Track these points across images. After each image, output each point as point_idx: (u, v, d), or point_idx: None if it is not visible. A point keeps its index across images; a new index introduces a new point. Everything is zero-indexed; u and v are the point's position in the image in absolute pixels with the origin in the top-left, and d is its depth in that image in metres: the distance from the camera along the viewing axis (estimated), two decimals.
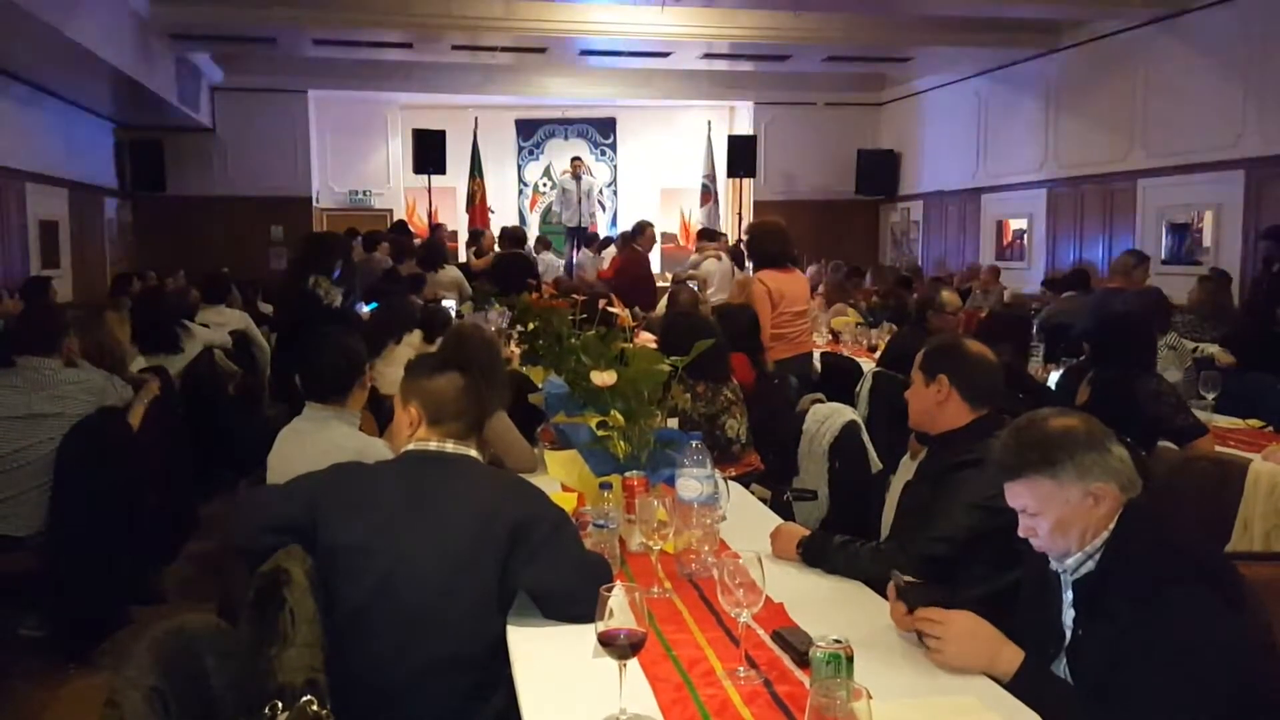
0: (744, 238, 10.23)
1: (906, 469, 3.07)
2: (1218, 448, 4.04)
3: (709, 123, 14.38)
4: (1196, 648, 1.75)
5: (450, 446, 2.39)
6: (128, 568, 4.12)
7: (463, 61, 12.65)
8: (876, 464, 3.94)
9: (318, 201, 13.70)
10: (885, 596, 2.23)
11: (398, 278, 7.99)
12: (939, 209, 13.29)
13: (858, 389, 5.36)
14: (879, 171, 14.05)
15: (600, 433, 2.89)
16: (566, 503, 2.81)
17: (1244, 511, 3.75)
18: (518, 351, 5.56)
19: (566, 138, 15.75)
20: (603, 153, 15.79)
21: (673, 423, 3.25)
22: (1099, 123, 10.18)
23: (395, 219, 12.88)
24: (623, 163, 15.80)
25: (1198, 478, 3.89)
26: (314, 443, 3.05)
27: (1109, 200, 10.09)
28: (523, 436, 3.55)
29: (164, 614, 2.16)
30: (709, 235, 10.83)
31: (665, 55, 12.39)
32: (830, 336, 7.83)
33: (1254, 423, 4.57)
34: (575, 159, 14.09)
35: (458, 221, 14.30)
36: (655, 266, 11.71)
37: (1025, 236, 11.60)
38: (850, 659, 1.72)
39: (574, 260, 12.53)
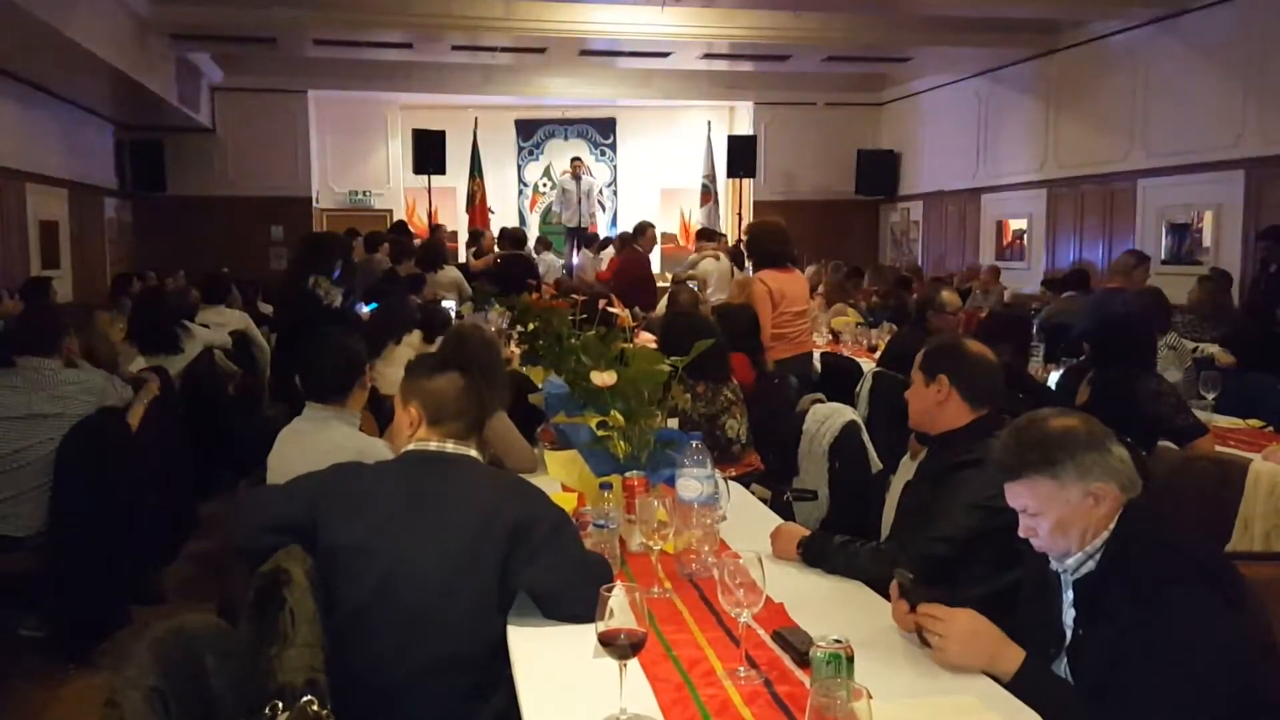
0: (744, 238, 10.23)
1: (906, 469, 3.07)
2: (1218, 448, 4.05)
3: (709, 123, 14.38)
4: (1197, 648, 1.75)
5: (450, 446, 2.39)
6: (128, 568, 4.12)
7: (463, 61, 12.65)
8: (877, 464, 3.95)
9: (318, 202, 13.70)
10: (886, 596, 2.23)
11: (397, 278, 7.98)
12: (939, 209, 13.29)
13: (858, 389, 5.36)
14: (879, 171, 14.05)
15: (600, 433, 2.89)
16: (566, 503, 2.80)
17: (1244, 511, 3.75)
18: (518, 352, 5.56)
19: (566, 138, 15.73)
20: (602, 153, 15.77)
21: (673, 423, 3.24)
22: (1099, 123, 10.18)
23: (395, 219, 12.85)
24: (623, 163, 15.78)
25: (1198, 478, 3.89)
26: (314, 443, 3.05)
27: (1109, 200, 10.09)
28: (523, 436, 3.55)
29: (164, 614, 2.16)
30: (708, 235, 10.83)
31: (665, 55, 12.38)
32: (830, 336, 7.82)
33: (1254, 423, 4.57)
34: (575, 159, 14.10)
35: (457, 222, 14.29)
36: (655, 267, 11.70)
37: (1025, 236, 11.60)
38: (850, 659, 1.71)
39: (574, 261, 12.53)
